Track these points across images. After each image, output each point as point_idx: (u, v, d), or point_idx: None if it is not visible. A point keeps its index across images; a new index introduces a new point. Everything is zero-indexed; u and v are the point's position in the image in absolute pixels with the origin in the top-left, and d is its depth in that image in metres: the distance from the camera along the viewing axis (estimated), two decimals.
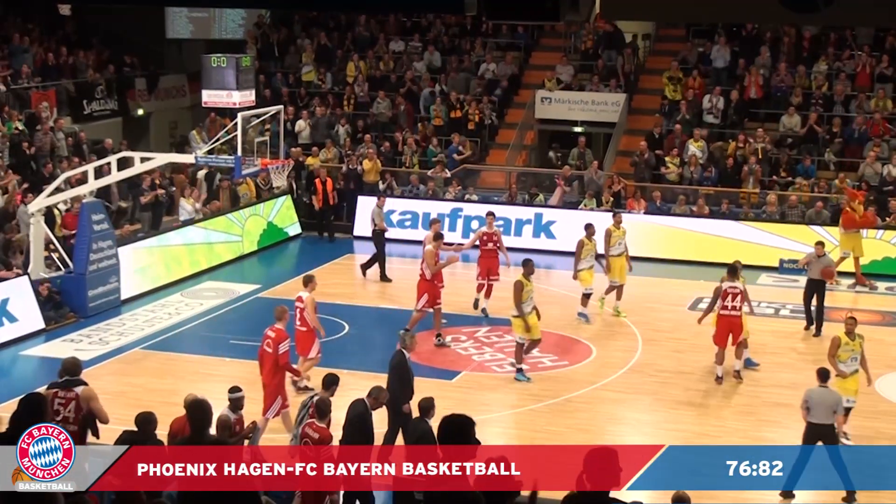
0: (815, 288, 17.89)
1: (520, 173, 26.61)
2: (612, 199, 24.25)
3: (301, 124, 27.72)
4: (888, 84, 26.09)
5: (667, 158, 25.44)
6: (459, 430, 6.92)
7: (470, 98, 28.43)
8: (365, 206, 25.46)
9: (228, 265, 22.52)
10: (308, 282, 15.28)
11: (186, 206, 22.76)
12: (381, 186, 25.94)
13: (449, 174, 26.02)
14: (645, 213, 23.81)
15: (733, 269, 15.73)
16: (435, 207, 25.05)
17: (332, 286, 21.11)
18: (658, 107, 27.48)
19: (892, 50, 26.73)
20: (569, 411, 14.69)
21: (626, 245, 18.73)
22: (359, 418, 10.89)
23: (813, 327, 17.94)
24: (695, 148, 25.43)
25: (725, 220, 23.33)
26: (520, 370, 15.79)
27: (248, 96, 22.47)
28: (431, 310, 17.38)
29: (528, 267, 15.83)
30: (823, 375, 12.10)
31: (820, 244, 18.17)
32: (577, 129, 28.15)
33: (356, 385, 13.05)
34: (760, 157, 24.78)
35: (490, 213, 19.75)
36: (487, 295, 18.96)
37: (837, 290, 20.45)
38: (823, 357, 15.63)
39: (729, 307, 15.50)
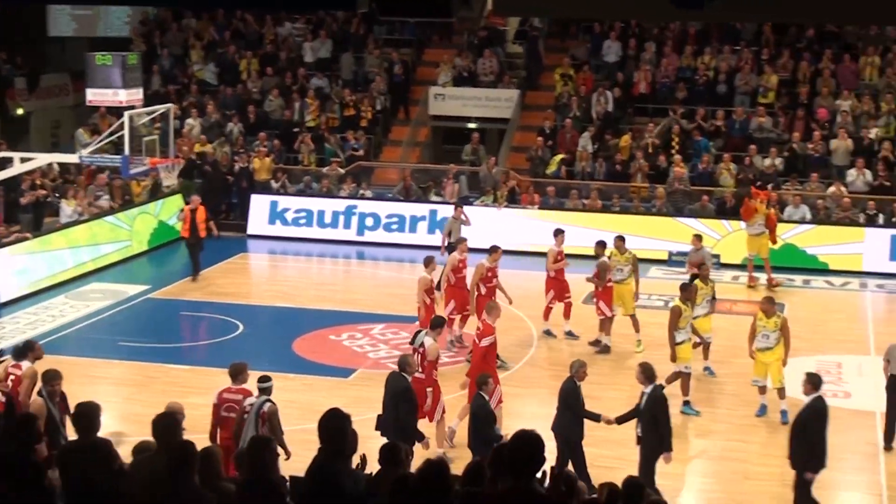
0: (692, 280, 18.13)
1: (414, 170, 26.58)
2: (506, 194, 24.41)
3: (191, 122, 27.20)
4: (769, 77, 26.77)
5: (555, 153, 25.68)
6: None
7: (363, 95, 28.28)
8: (257, 204, 25.17)
9: (117, 266, 21.95)
10: (428, 263, 15.98)
11: (67, 209, 22.08)
12: (275, 185, 25.64)
13: (343, 171, 25.85)
14: (539, 207, 24.03)
15: (494, 248, 16.63)
16: (329, 205, 24.89)
17: (226, 286, 20.78)
18: (551, 102, 27.75)
19: (771, 43, 27.46)
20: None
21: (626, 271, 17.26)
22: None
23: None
24: (585, 143, 25.74)
25: (617, 214, 23.69)
26: (686, 402, 14.45)
27: (136, 94, 21.95)
28: (458, 316, 16.65)
29: (686, 292, 14.76)
30: None
31: (697, 237, 18.34)
32: (471, 126, 28.25)
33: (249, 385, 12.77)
34: (651, 151, 25.21)
35: (559, 231, 17.98)
36: (566, 315, 17.53)
37: (720, 282, 20.91)
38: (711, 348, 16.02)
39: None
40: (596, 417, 11.87)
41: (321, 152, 26.90)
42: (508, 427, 11.86)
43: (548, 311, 17.63)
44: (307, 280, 21.49)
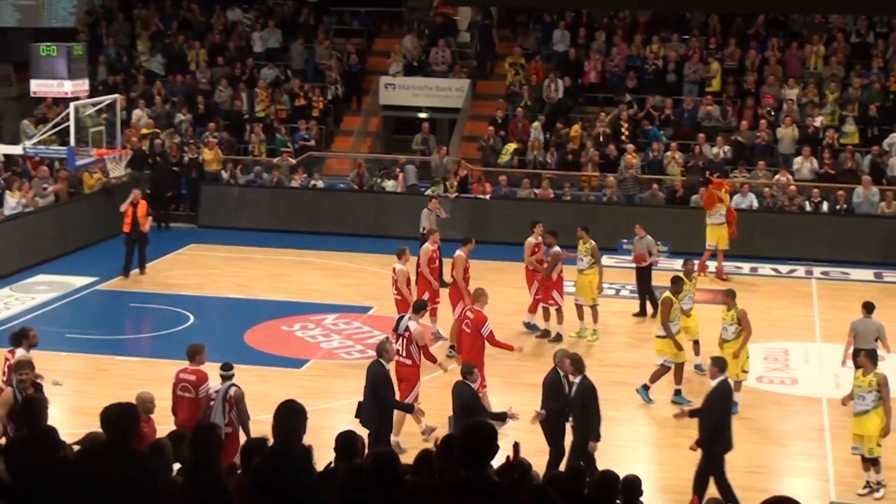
0: (638, 270, 18.29)
1: (366, 159, 26.49)
2: (457, 184, 24.43)
3: (139, 113, 26.88)
4: (717, 66, 27.01)
5: (507, 143, 25.74)
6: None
7: (314, 85, 28.13)
8: (208, 195, 24.95)
9: (64, 257, 21.63)
10: (401, 254, 15.80)
11: (11, 201, 21.72)
12: (225, 175, 25.45)
13: (294, 161, 25.72)
14: (491, 197, 24.08)
15: (467, 239, 16.68)
16: (280, 195, 24.77)
17: (176, 277, 20.60)
18: (502, 92, 27.80)
19: (718, 32, 27.70)
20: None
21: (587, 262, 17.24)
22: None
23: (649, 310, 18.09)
24: (537, 132, 25.82)
25: (568, 203, 23.81)
26: (646, 387, 14.43)
27: (81, 85, 21.64)
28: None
29: (676, 285, 14.72)
30: (869, 308, 14.16)
31: (641, 226, 18.44)
32: (422, 115, 28.22)
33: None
34: (601, 140, 25.35)
35: (537, 222, 17.67)
36: (533, 310, 17.39)
37: (671, 270, 21.09)
38: (652, 337, 16.15)
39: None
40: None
41: (272, 143, 26.72)
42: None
43: (535, 304, 17.35)
44: (259, 271, 21.36)
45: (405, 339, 12.91)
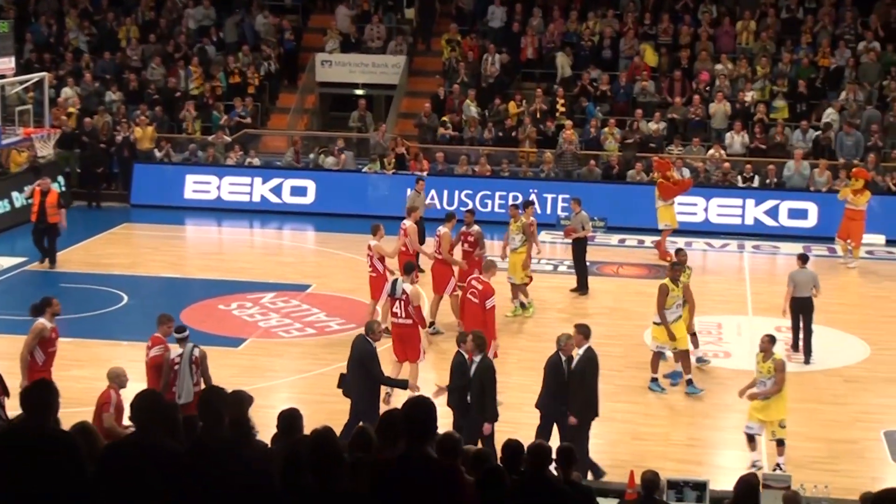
0: (573, 246, 18.37)
1: (302, 137, 26.30)
2: (395, 161, 24.35)
3: (67, 91, 26.34)
4: (650, 42, 27.26)
5: (443, 119, 25.72)
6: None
7: (249, 62, 27.79)
8: (141, 174, 24.58)
9: None
10: (376, 231, 15.65)
11: None
12: (158, 154, 25.09)
13: (229, 139, 25.42)
14: (428, 174, 24.03)
15: (449, 216, 16.79)
16: (215, 173, 24.51)
17: (109, 257, 20.28)
18: (439, 68, 27.72)
19: (653, 9, 27.89)
20: None
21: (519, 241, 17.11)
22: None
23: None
24: (474, 109, 25.82)
25: (506, 180, 23.89)
26: (653, 379, 14.13)
27: (7, 63, 21.20)
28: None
29: (674, 271, 14.25)
30: (804, 258, 15.46)
31: (576, 201, 18.46)
32: (359, 92, 28.05)
33: (134, 356, 12.54)
34: (538, 116, 25.42)
35: (529, 203, 17.69)
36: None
37: (607, 246, 21.31)
38: (588, 312, 16.30)
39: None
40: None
41: (207, 120, 26.37)
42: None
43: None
44: (193, 249, 21.17)
45: (403, 302, 13.38)
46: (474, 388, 11.36)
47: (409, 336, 13.38)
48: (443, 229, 16.35)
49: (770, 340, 11.98)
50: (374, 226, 16.01)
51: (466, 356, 11.54)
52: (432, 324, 15.80)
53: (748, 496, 7.36)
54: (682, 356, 14.12)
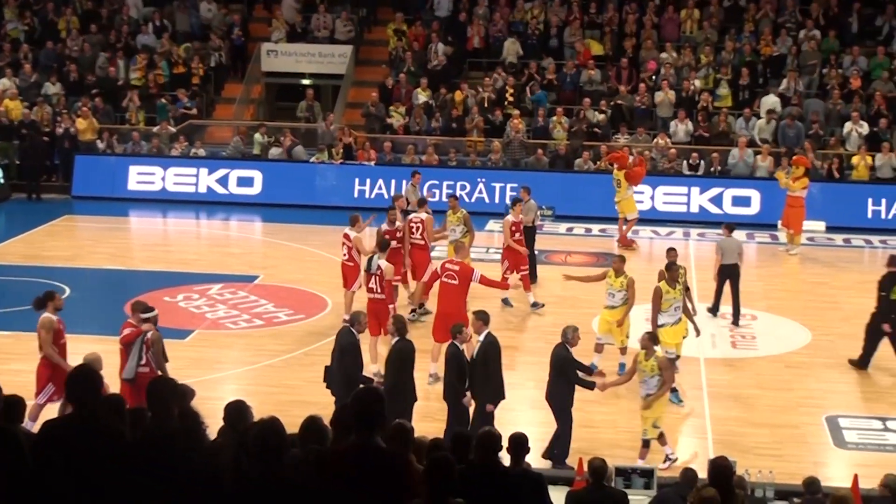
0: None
1: (249, 127, 26.04)
2: (342, 150, 24.24)
3: (6, 83, 25.84)
4: (596, 31, 27.38)
5: (391, 108, 25.63)
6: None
7: (194, 52, 27.45)
8: (82, 165, 24.22)
9: None
10: (354, 222, 15.86)
11: None
12: (100, 145, 24.73)
13: (174, 130, 25.13)
14: (375, 164, 23.98)
15: (422, 202, 16.85)
16: (159, 164, 24.23)
17: (50, 249, 19.97)
18: (385, 58, 27.61)
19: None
20: (306, 365, 14.59)
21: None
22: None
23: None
24: (423, 97, 25.77)
25: (453, 169, 23.89)
26: (674, 391, 13.20)
27: None
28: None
29: (670, 272, 13.64)
30: (730, 227, 16.40)
31: (525, 189, 18.50)
32: (306, 82, 27.87)
33: (76, 349, 12.34)
34: (486, 105, 25.42)
35: (518, 200, 17.36)
36: (527, 287, 16.91)
37: (555, 235, 21.41)
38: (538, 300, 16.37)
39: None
40: (591, 385, 11.80)
41: (151, 111, 26.03)
42: None
43: (504, 281, 16.65)
44: (137, 241, 20.92)
45: (377, 277, 14.03)
46: (479, 368, 11.40)
47: (383, 310, 13.91)
48: (423, 215, 16.45)
49: (650, 338, 11.76)
50: (353, 216, 16.14)
51: (462, 347, 11.56)
52: (414, 310, 16.03)
53: (719, 478, 7.42)
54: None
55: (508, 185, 23.02)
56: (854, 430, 12.83)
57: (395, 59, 27.27)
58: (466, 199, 22.06)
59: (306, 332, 15.88)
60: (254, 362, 14.75)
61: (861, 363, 14.58)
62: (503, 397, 11.62)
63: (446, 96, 25.88)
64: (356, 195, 23.34)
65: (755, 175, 23.36)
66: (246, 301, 17.16)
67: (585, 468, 9.05)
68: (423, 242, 16.37)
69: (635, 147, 23.98)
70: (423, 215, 16.52)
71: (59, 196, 23.92)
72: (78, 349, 12.39)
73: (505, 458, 7.41)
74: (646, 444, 11.60)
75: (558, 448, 11.66)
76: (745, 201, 23.12)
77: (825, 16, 26.99)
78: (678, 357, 13.71)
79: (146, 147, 24.80)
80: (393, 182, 23.29)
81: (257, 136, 24.85)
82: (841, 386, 14.35)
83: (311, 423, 6.32)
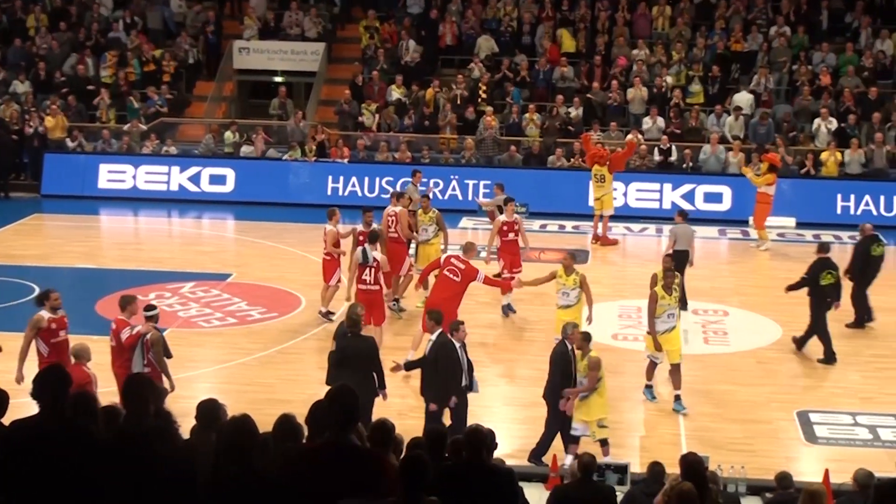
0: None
1: (221, 125, 25.90)
2: (315, 148, 24.17)
3: None
4: (569, 27, 27.42)
5: (363, 106, 25.57)
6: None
7: (166, 50, 27.29)
8: (52, 164, 24.02)
9: None
10: (332, 216, 15.99)
11: None
12: (70, 144, 24.52)
13: (145, 128, 24.96)
14: (349, 161, 23.92)
15: (398, 195, 17.01)
16: (130, 162, 24.07)
17: (19, 247, 19.80)
18: (358, 55, 27.55)
19: None
20: (278, 363, 14.56)
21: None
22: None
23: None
24: (397, 94, 25.71)
25: (426, 166, 23.83)
26: (648, 386, 13.61)
27: None
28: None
29: (667, 279, 13.36)
30: (684, 214, 16.98)
31: (498, 185, 18.45)
32: (278, 79, 27.76)
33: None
34: (459, 102, 25.40)
35: (510, 200, 17.31)
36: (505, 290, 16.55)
37: (528, 232, 21.41)
38: (511, 297, 16.39)
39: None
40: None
41: (122, 109, 25.84)
42: None
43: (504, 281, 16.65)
44: (109, 240, 20.78)
45: (373, 269, 14.28)
46: (429, 367, 11.48)
47: (377, 301, 14.22)
48: (397, 209, 16.48)
49: (584, 338, 11.64)
50: (330, 210, 16.25)
51: (458, 344, 11.53)
52: (396, 300, 16.21)
53: (692, 474, 7.45)
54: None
55: (482, 183, 23.04)
56: (825, 425, 12.92)
57: (368, 56, 27.20)
58: (440, 197, 22.07)
59: (280, 330, 15.83)
60: (227, 360, 14.69)
61: (826, 357, 14.81)
62: (461, 395, 11.49)
63: (418, 94, 25.84)
64: (329, 192, 23.29)
65: (727, 171, 23.49)
66: (219, 299, 17.09)
67: (559, 464, 9.08)
68: (396, 236, 16.37)
69: (608, 143, 24.05)
70: (398, 209, 16.53)
71: (28, 195, 23.73)
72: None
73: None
74: (602, 442, 11.51)
75: (538, 445, 11.64)
76: (716, 197, 23.26)
77: (795, 12, 27.18)
78: (679, 364, 13.37)
79: (116, 145, 24.63)
80: (366, 180, 23.25)
81: (228, 133, 24.76)
82: (812, 381, 14.48)
83: (285, 421, 6.30)
